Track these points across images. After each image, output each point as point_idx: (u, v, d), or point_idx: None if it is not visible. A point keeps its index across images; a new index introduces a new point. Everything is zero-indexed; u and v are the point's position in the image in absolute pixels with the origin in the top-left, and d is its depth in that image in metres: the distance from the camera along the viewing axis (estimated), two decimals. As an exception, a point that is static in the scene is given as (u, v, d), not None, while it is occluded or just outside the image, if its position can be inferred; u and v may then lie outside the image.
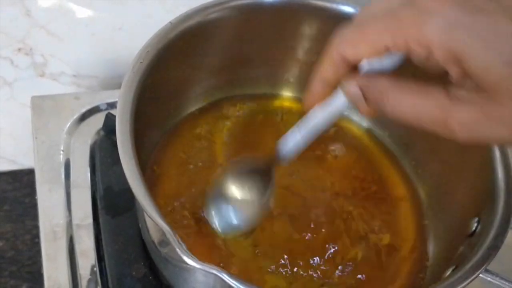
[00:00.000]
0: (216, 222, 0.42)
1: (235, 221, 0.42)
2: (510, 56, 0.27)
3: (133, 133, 0.38)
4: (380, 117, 0.53)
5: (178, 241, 0.33)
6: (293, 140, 0.38)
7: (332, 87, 0.34)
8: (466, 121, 0.28)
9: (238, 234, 0.43)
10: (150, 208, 0.34)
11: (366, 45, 0.31)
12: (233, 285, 0.32)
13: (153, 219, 0.34)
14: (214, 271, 0.32)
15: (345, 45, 0.32)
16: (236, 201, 0.42)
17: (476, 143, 0.29)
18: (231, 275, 0.32)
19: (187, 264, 0.32)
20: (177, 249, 0.33)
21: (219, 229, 0.42)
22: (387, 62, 0.32)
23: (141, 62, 0.42)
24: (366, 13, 0.32)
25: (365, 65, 0.32)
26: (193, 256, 0.33)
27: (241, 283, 0.32)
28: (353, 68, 0.33)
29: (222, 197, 0.42)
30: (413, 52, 0.29)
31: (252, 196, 0.42)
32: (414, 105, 0.30)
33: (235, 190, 0.42)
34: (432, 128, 0.30)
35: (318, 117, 0.36)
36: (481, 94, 0.28)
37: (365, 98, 0.32)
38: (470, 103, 0.28)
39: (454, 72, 0.29)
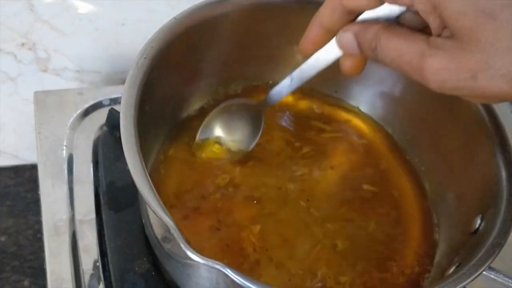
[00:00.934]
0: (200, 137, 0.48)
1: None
2: (485, 5, 0.28)
3: (137, 128, 0.38)
4: (383, 113, 0.54)
5: (182, 237, 0.33)
6: (283, 85, 0.43)
7: (328, 34, 0.36)
8: (438, 67, 0.29)
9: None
10: (155, 203, 0.34)
11: None
12: (236, 280, 0.32)
13: (158, 214, 0.34)
14: (218, 266, 0.32)
15: None
16: (226, 137, 0.48)
17: (447, 92, 0.30)
18: (234, 270, 0.32)
19: (191, 259, 0.32)
20: (181, 245, 0.33)
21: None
22: (381, 12, 0.34)
23: (145, 58, 0.42)
24: None
25: (361, 15, 0.34)
26: (197, 251, 0.33)
27: (244, 278, 0.32)
28: (351, 19, 0.35)
29: (213, 129, 0.48)
30: (398, 1, 0.31)
31: (241, 136, 0.48)
32: (398, 48, 0.31)
33: (227, 128, 0.48)
34: (410, 74, 0.31)
35: (309, 64, 0.40)
36: (454, 41, 0.29)
37: (359, 44, 0.34)
38: (443, 50, 0.29)
39: (433, 22, 0.30)
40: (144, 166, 0.36)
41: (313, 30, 0.37)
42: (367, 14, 0.34)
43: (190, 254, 0.33)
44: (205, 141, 0.48)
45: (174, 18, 0.44)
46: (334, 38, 0.36)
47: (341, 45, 0.35)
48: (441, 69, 0.29)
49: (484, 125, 0.44)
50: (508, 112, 0.69)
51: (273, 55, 0.52)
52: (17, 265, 0.67)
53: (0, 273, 0.66)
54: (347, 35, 0.35)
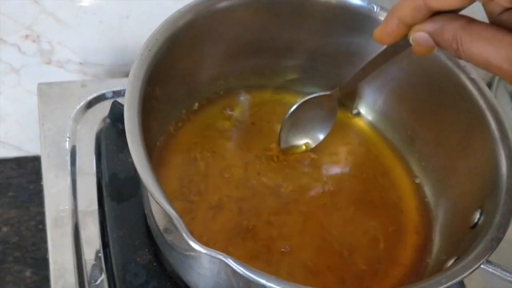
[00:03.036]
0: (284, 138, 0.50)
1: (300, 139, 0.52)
2: None
3: (141, 120, 0.38)
4: (383, 111, 0.54)
5: (185, 227, 0.33)
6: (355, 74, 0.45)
7: (406, 28, 0.34)
8: None
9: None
10: (158, 194, 0.35)
11: None
12: (238, 270, 0.33)
13: (161, 205, 0.34)
14: (220, 256, 0.32)
15: None
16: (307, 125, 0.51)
17: None
18: (236, 260, 0.33)
19: (194, 250, 0.33)
20: (184, 235, 0.33)
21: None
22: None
23: (149, 50, 0.42)
24: None
25: None
26: (199, 241, 0.33)
27: (246, 268, 0.33)
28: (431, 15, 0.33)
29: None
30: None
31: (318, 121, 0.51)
32: (484, 54, 0.29)
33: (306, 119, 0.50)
34: (501, 76, 0.29)
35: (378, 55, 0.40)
36: None
37: (437, 42, 0.32)
38: None
39: None
40: (148, 157, 0.37)
41: (391, 23, 0.35)
42: None
43: (193, 244, 0.33)
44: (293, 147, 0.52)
45: (178, 11, 0.45)
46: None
47: (416, 44, 0.34)
48: None
49: (485, 120, 0.44)
50: (508, 109, 0.70)
51: (275, 49, 0.53)
52: (19, 256, 0.68)
53: (2, 263, 0.67)
54: (422, 36, 0.33)
